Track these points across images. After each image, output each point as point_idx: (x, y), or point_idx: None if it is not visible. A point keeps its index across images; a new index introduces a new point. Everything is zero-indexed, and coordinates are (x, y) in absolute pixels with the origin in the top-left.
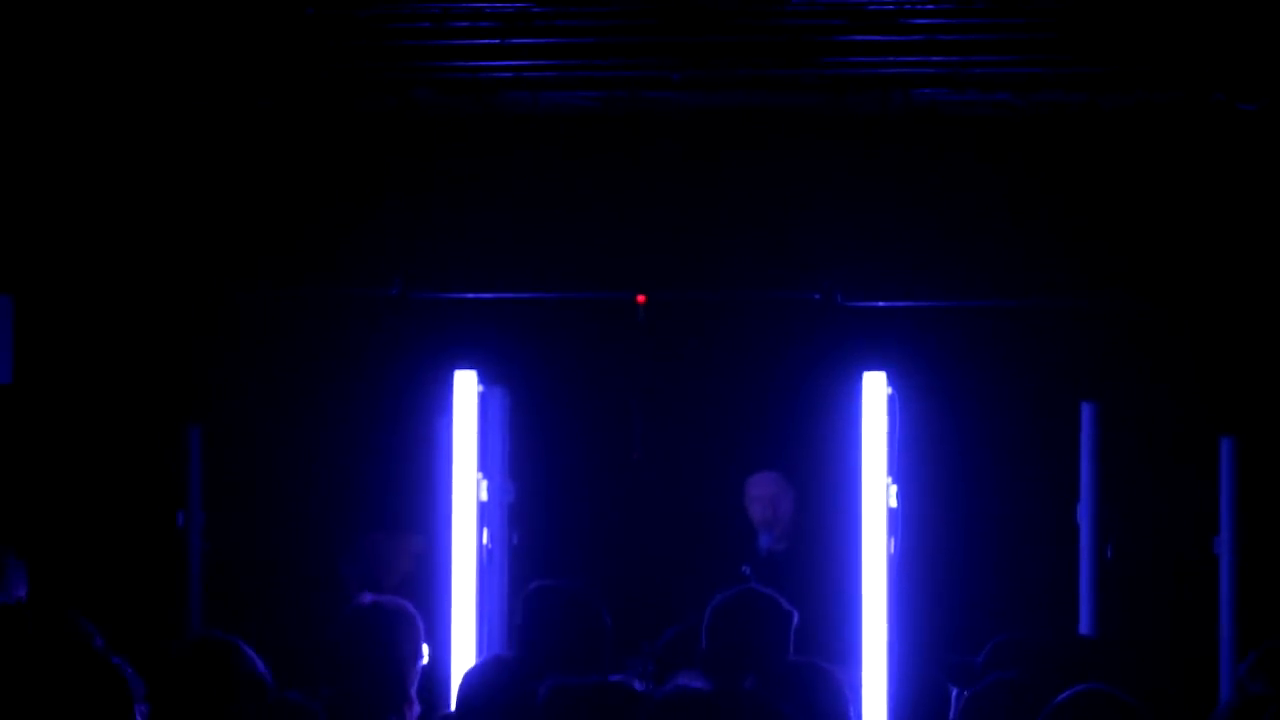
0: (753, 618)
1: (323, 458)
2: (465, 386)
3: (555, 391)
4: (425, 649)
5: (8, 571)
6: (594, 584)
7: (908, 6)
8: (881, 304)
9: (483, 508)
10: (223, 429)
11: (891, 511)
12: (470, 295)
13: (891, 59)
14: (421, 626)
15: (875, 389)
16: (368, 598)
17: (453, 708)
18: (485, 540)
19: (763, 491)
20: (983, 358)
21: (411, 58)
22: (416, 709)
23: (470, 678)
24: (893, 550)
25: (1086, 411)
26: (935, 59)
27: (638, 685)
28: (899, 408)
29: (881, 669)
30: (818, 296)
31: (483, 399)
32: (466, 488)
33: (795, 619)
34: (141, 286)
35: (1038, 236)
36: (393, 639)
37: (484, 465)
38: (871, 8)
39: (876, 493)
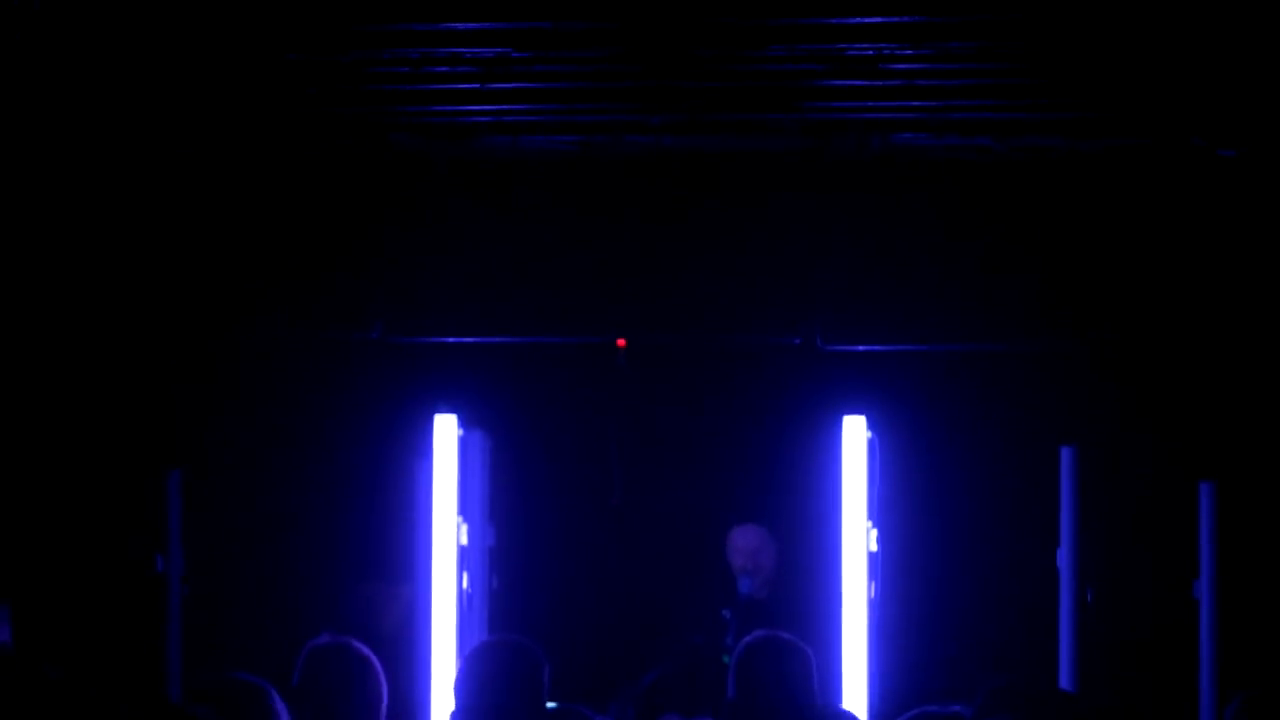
0: (781, 662)
1: (303, 501)
2: (445, 430)
3: (536, 435)
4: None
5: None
6: (564, 632)
7: (887, 52)
8: (861, 348)
9: (463, 552)
10: (203, 473)
11: (872, 555)
12: (451, 339)
13: (871, 104)
14: (378, 665)
15: (855, 432)
16: (323, 638)
17: None
18: (465, 585)
19: (746, 544)
20: (963, 402)
21: (391, 102)
22: None
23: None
24: (873, 594)
25: (1066, 456)
26: (915, 104)
27: None
28: (879, 451)
29: (863, 713)
30: (798, 341)
31: (463, 443)
32: (446, 532)
33: (813, 658)
34: (122, 329)
35: (1018, 280)
36: (349, 677)
37: (464, 509)
38: (851, 53)
39: (857, 536)
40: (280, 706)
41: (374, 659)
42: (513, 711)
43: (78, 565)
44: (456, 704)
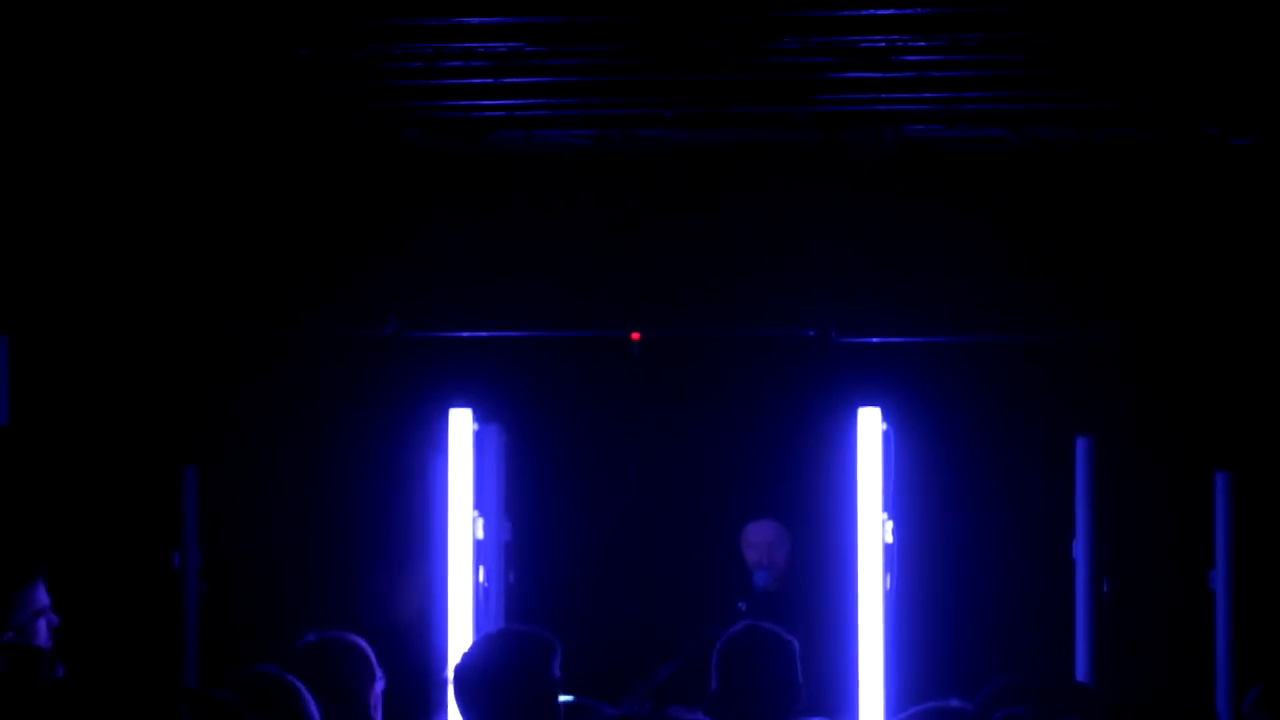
0: (761, 653)
1: (319, 497)
2: (461, 424)
3: (551, 429)
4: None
5: (34, 592)
6: (582, 627)
7: (899, 43)
8: (876, 340)
9: (479, 546)
10: (219, 469)
11: (887, 547)
12: (465, 334)
13: (883, 95)
14: (370, 654)
15: (870, 424)
16: (311, 635)
17: None
18: (481, 579)
19: (761, 538)
20: (977, 393)
21: (404, 97)
22: None
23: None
24: (889, 586)
25: (1081, 446)
26: (927, 95)
27: None
28: (894, 443)
29: (879, 705)
30: (812, 333)
31: (478, 437)
32: (462, 526)
33: (797, 647)
34: (136, 327)
35: (1032, 271)
36: (331, 668)
37: (480, 503)
38: (863, 45)
39: (872, 528)
40: (311, 703)
41: (363, 645)
42: (518, 705)
43: (96, 561)
44: (460, 697)
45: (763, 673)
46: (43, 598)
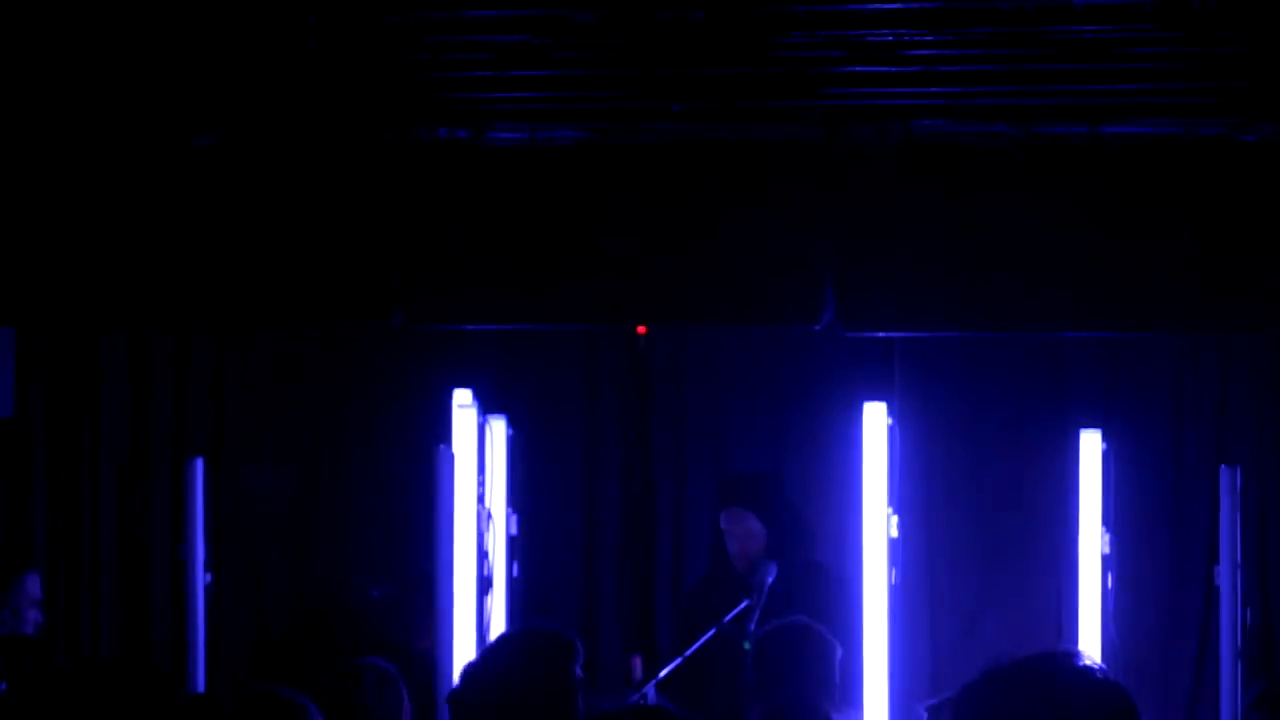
0: (799, 652)
1: (325, 488)
2: (466, 417)
3: (557, 422)
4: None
5: (25, 591)
6: (586, 620)
7: (906, 38)
8: (882, 335)
9: (482, 539)
10: (226, 461)
11: (893, 542)
12: (471, 326)
13: (890, 90)
14: (402, 685)
15: (876, 419)
16: (350, 662)
17: None
18: (486, 571)
19: (734, 527)
20: (983, 387)
21: (408, 90)
22: None
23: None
24: (894, 581)
25: (1087, 440)
26: (934, 90)
27: None
28: (900, 438)
29: (883, 700)
30: (819, 327)
31: (483, 430)
32: (467, 519)
33: (839, 648)
34: (142, 319)
35: (1037, 266)
36: (372, 699)
37: (485, 496)
38: (870, 39)
39: (877, 523)
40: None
41: (396, 675)
42: (538, 708)
43: (99, 556)
44: (473, 699)
45: (799, 672)
46: (37, 590)
